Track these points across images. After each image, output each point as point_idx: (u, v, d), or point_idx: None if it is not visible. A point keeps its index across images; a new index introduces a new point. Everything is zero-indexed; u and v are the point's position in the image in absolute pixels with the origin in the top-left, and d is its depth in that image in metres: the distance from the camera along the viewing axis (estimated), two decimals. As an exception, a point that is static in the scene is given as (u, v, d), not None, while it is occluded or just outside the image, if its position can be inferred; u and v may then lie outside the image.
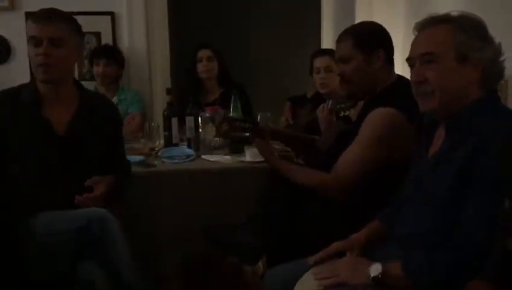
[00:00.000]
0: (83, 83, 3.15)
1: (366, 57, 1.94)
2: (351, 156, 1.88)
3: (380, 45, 1.96)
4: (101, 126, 2.01)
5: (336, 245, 1.61)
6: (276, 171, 2.06)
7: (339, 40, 2.02)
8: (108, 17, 3.58)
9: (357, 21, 3.39)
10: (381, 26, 2.03)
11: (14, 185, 1.85)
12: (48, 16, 1.88)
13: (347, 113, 2.52)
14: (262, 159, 2.50)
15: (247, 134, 2.16)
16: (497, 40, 1.42)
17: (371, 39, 1.96)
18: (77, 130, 1.93)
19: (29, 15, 1.92)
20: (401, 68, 2.03)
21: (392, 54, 2.01)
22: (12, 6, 3.41)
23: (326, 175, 1.91)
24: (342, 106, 2.51)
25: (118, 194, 2.03)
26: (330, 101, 2.62)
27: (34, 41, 1.86)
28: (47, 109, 1.93)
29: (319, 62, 3.02)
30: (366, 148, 1.85)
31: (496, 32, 1.44)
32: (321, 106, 2.68)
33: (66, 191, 1.85)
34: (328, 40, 3.89)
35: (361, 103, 2.14)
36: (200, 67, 3.34)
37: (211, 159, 2.59)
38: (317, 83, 3.05)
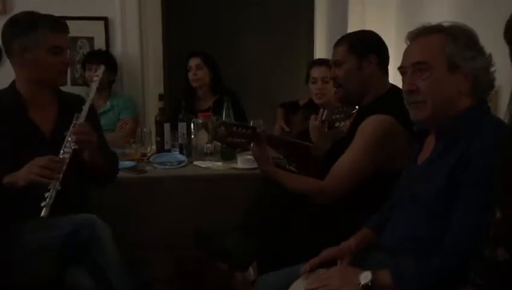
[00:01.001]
0: (75, 88, 3.15)
1: (357, 61, 1.97)
2: (345, 163, 1.88)
3: (372, 50, 1.98)
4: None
5: (326, 253, 1.61)
6: (269, 178, 2.06)
7: (335, 45, 2.05)
8: (102, 22, 3.57)
9: (350, 29, 3.42)
10: (378, 35, 2.06)
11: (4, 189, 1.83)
12: (65, 24, 1.96)
13: (342, 124, 2.52)
14: (254, 166, 2.50)
15: (243, 140, 2.15)
16: (487, 50, 1.44)
17: (364, 44, 1.99)
18: (63, 131, 1.92)
19: (39, 24, 1.90)
20: (393, 77, 2.04)
21: (386, 63, 2.03)
22: (4, 10, 3.40)
23: (319, 182, 1.92)
24: (337, 116, 2.51)
25: (109, 173, 2.10)
26: (326, 111, 2.62)
27: (55, 50, 1.91)
28: (32, 113, 1.94)
29: (316, 72, 3.01)
30: (361, 155, 1.85)
31: (486, 42, 1.45)
32: (313, 116, 2.69)
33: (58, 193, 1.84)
34: (321, 50, 3.91)
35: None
36: (190, 76, 3.35)
37: (203, 166, 2.60)
38: (313, 93, 3.04)
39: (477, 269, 1.13)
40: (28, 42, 1.89)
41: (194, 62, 3.34)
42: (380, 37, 2.05)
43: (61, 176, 1.74)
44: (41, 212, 1.67)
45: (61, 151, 1.81)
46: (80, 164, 1.91)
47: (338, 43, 2.04)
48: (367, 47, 1.98)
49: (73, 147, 1.81)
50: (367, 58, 1.96)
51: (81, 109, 1.91)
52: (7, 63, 3.08)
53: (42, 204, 1.67)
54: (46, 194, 1.69)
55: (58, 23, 1.94)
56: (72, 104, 2.03)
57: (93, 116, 2.10)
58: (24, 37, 1.88)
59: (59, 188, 1.71)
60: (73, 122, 1.87)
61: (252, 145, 2.12)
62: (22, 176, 1.73)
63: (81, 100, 2.04)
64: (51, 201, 1.68)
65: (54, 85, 1.99)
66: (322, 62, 3.08)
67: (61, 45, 1.94)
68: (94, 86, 2.01)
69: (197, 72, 3.34)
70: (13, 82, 1.99)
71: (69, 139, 1.83)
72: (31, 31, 1.88)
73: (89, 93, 2.01)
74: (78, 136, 1.83)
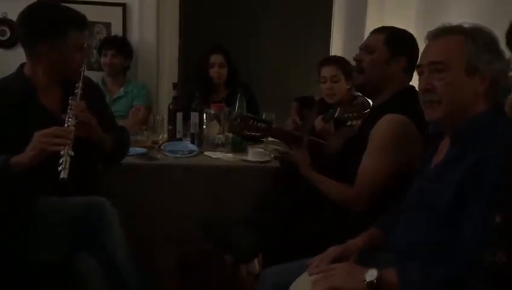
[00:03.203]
0: (90, 73, 3.15)
1: (388, 56, 1.94)
2: (367, 170, 1.87)
3: (405, 52, 1.95)
4: (89, 102, 1.97)
5: (332, 250, 1.60)
6: (309, 181, 2.05)
7: (374, 32, 2.02)
8: (120, 8, 3.58)
9: (368, 28, 3.40)
10: (415, 40, 2.00)
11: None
12: (87, 20, 1.96)
13: (354, 123, 2.51)
14: (264, 159, 2.51)
15: (258, 133, 2.16)
16: (506, 54, 1.42)
17: (401, 43, 1.96)
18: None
19: (69, 26, 1.90)
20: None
21: (413, 68, 1.98)
22: (25, -8, 3.42)
23: (351, 192, 1.90)
24: (350, 115, 2.50)
25: (117, 152, 2.12)
26: (338, 109, 2.61)
27: (80, 47, 1.94)
28: (41, 96, 1.94)
29: (326, 72, 2.98)
30: (380, 159, 1.84)
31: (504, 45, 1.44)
32: (320, 116, 2.69)
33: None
34: (337, 47, 3.89)
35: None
36: (212, 72, 3.33)
37: (213, 156, 2.60)
38: (324, 92, 3.03)
39: (476, 274, 1.12)
40: (56, 43, 1.88)
41: (217, 59, 3.32)
42: (416, 42, 1.99)
43: (71, 142, 1.72)
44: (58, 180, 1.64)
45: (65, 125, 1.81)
46: (89, 146, 1.91)
47: (376, 31, 2.02)
48: (401, 46, 1.95)
49: (74, 123, 1.81)
50: (397, 58, 1.94)
51: (75, 92, 1.92)
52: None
53: (59, 169, 1.65)
54: (61, 160, 1.67)
55: (83, 22, 1.95)
56: (74, 83, 2.02)
57: (103, 99, 2.13)
58: (53, 38, 1.87)
59: (72, 153, 1.69)
60: (70, 102, 1.88)
61: (293, 150, 2.12)
62: (28, 153, 1.70)
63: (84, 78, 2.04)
64: (67, 165, 1.66)
65: (70, 75, 1.97)
66: (330, 61, 3.05)
67: (84, 42, 1.97)
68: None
69: (220, 70, 3.33)
70: (21, 67, 1.98)
71: (69, 118, 1.83)
72: (61, 34, 1.87)
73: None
74: (76, 113, 1.83)
